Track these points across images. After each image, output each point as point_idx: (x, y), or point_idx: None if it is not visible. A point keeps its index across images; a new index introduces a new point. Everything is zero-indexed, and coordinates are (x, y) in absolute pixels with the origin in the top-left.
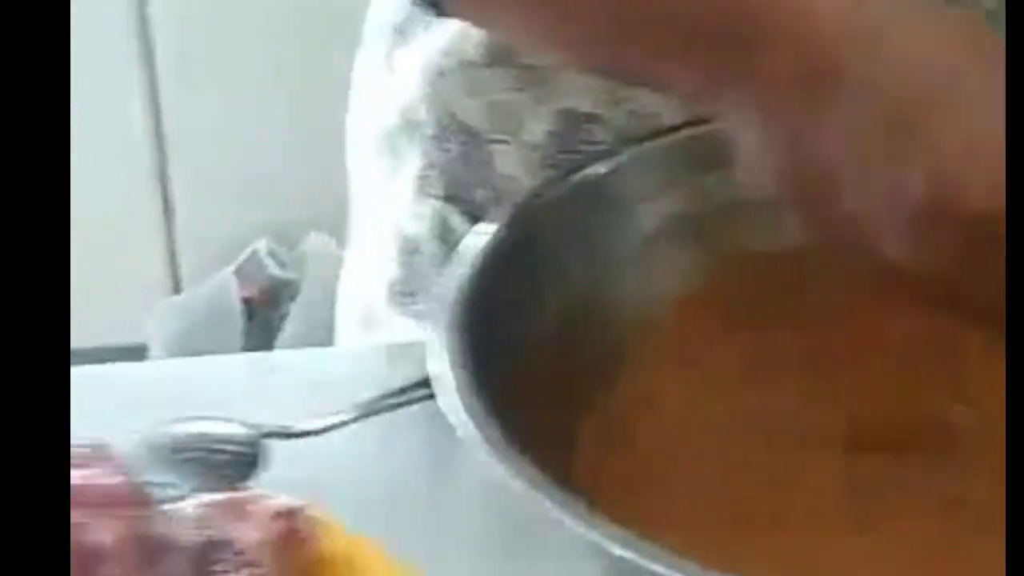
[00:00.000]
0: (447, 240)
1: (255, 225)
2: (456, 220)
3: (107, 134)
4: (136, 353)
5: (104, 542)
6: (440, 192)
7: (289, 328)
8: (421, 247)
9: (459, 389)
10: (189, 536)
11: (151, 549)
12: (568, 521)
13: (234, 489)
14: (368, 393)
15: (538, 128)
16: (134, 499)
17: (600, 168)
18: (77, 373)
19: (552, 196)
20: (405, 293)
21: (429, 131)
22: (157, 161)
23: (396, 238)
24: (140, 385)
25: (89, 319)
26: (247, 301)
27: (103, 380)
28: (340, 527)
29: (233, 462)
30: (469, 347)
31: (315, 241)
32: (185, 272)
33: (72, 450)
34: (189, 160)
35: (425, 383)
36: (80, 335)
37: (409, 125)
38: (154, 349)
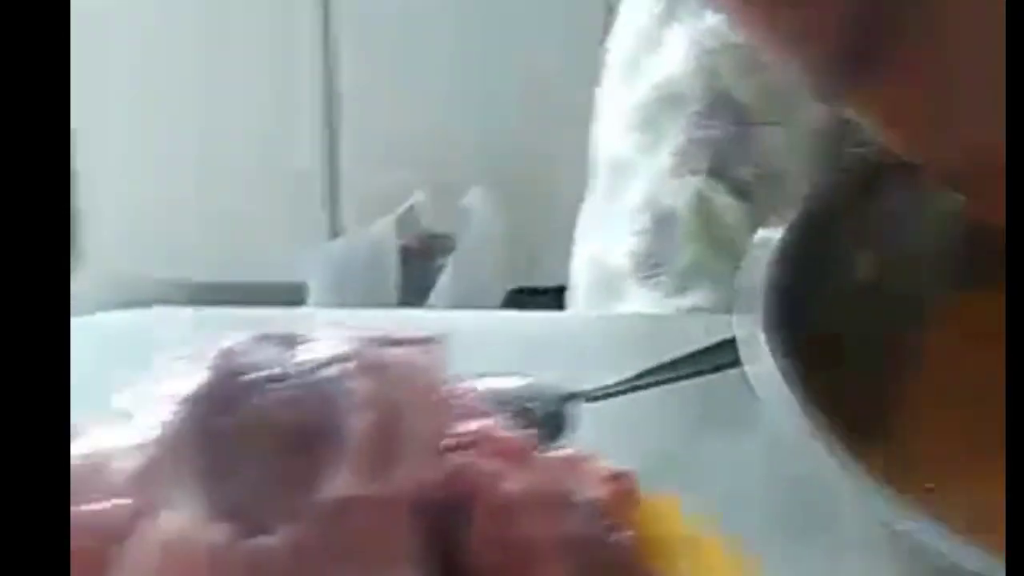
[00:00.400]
0: (705, 215)
1: (417, 177)
2: (718, 195)
3: (280, 80)
4: (294, 292)
5: (515, 491)
6: (702, 167)
7: (444, 281)
8: (676, 221)
9: (771, 366)
10: (583, 491)
11: (555, 501)
12: (874, 504)
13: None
14: (645, 359)
15: (812, 113)
16: (528, 449)
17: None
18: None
19: (843, 182)
20: (652, 264)
21: (694, 107)
22: (326, 107)
23: (649, 210)
24: None
25: (251, 256)
26: (404, 251)
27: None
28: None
29: (544, 422)
30: (775, 325)
31: (476, 197)
32: (345, 218)
33: (464, 401)
34: (358, 109)
35: (711, 350)
36: (242, 271)
37: (672, 100)
38: (312, 291)
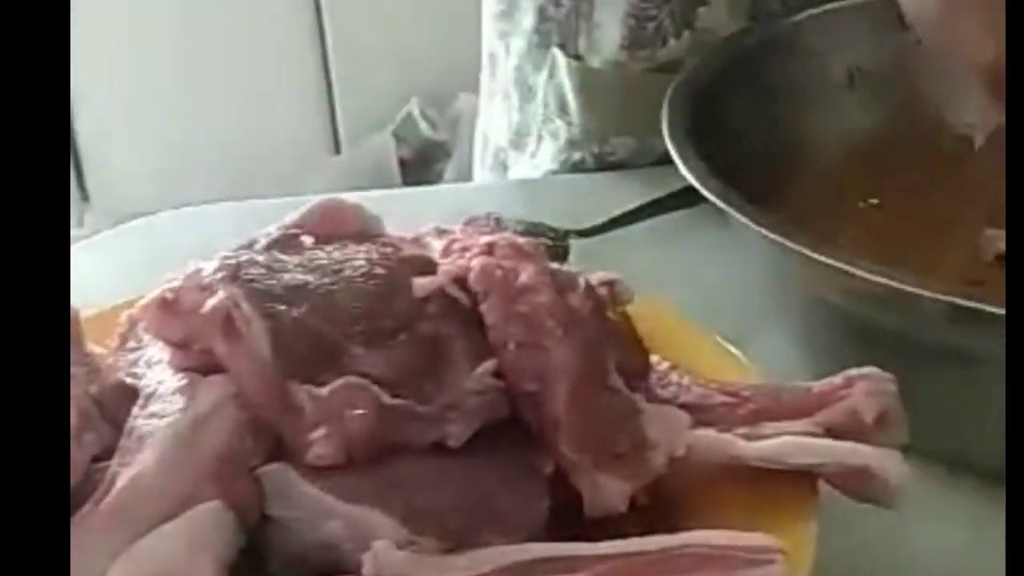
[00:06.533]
0: (555, 83)
1: (408, 86)
2: (565, 65)
3: (269, 7)
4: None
5: (526, 278)
6: (554, 41)
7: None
8: (536, 92)
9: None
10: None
11: (560, 284)
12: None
13: None
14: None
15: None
16: (534, 250)
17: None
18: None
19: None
20: (523, 134)
21: None
22: (315, 23)
23: (517, 88)
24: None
25: (253, 174)
26: (403, 163)
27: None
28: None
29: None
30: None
31: (466, 102)
32: (343, 131)
33: (482, 223)
34: (345, 22)
35: (667, 200)
36: (245, 189)
37: None
38: None
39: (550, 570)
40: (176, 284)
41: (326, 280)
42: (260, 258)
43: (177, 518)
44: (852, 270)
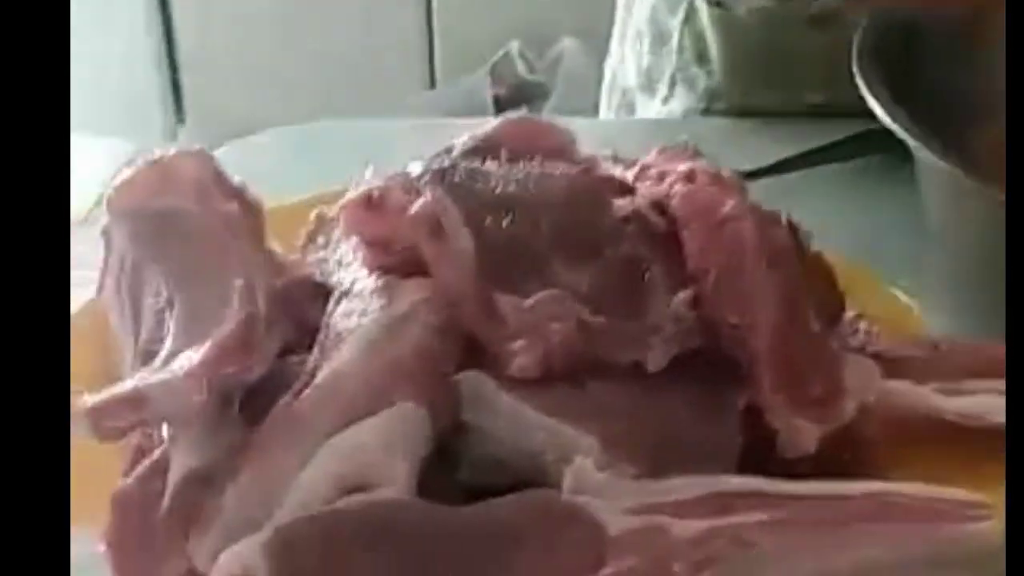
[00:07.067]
0: (692, 28)
1: (509, 27)
2: (704, 9)
3: None
4: None
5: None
6: None
7: None
8: (671, 37)
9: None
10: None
11: (764, 218)
12: None
13: None
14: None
15: None
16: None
17: None
18: None
19: None
20: (654, 79)
21: None
22: None
23: (650, 31)
24: None
25: (349, 108)
26: (497, 100)
27: None
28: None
29: None
30: None
31: (567, 46)
32: (440, 68)
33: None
34: None
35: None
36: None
37: None
38: None
39: (747, 506)
40: (381, 183)
41: (528, 192)
42: (462, 165)
43: (374, 416)
44: None
